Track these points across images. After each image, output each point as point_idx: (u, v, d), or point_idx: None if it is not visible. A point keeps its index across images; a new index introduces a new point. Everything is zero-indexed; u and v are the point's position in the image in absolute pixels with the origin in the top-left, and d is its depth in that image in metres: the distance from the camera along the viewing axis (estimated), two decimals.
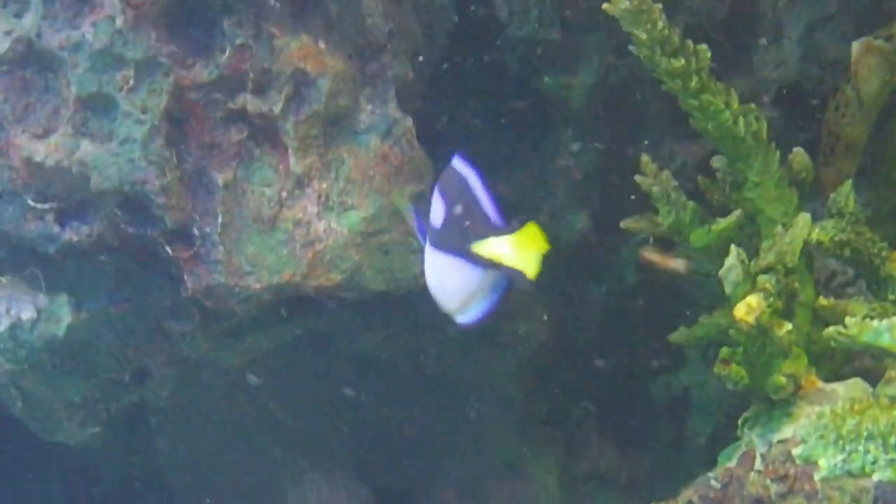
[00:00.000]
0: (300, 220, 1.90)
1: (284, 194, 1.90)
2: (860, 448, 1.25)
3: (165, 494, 2.40)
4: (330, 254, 1.90)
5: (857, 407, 1.36)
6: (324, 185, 1.91)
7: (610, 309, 2.35)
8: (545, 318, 2.29)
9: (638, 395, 2.39)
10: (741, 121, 1.92)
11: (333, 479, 2.29)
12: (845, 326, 1.48)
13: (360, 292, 1.94)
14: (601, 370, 2.37)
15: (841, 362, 1.96)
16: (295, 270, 1.89)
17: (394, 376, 2.24)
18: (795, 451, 1.33)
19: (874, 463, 1.23)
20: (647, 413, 2.39)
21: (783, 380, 1.82)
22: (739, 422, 1.92)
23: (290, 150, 1.89)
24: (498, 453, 2.35)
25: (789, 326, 1.82)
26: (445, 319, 2.13)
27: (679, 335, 2.08)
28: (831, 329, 1.51)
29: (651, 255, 2.19)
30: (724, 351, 1.90)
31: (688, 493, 2.05)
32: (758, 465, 1.94)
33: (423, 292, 2.03)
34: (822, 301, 1.90)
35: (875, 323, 1.43)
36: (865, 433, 1.25)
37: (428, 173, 1.98)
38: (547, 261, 2.30)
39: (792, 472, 1.89)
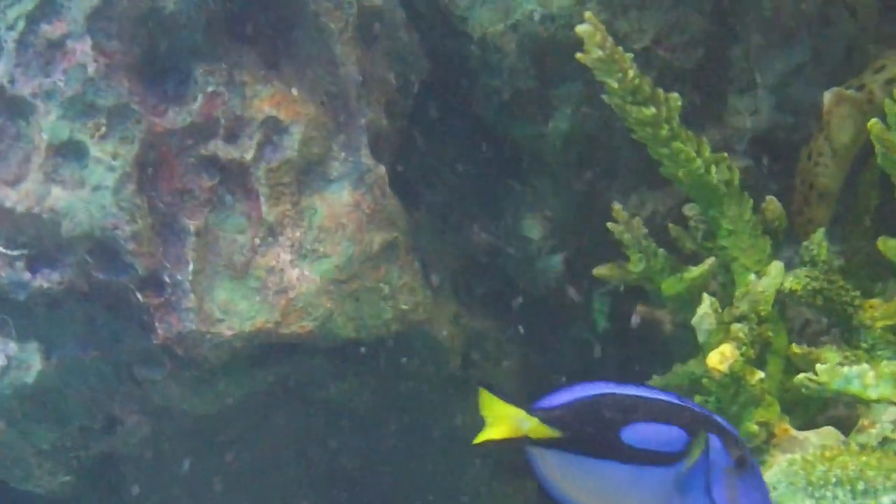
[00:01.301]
0: (273, 267, 1.89)
1: (257, 241, 1.90)
2: (828, 494, 1.24)
3: None
4: (302, 301, 1.89)
5: (827, 454, 1.37)
6: (296, 233, 1.91)
7: (583, 357, 2.35)
8: (518, 366, 2.28)
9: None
10: (713, 169, 1.92)
11: None
12: (816, 373, 1.48)
13: (331, 340, 1.93)
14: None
15: (815, 411, 1.95)
16: (268, 318, 1.89)
17: (365, 424, 2.22)
18: None
19: None
20: None
21: (756, 428, 1.82)
22: None
23: (262, 198, 1.90)
24: (467, 501, 2.34)
25: (762, 375, 1.82)
26: (416, 367, 2.14)
27: (653, 384, 2.08)
28: (802, 376, 1.52)
29: (641, 308, 2.20)
30: (698, 399, 1.90)
31: None
32: None
33: (394, 340, 2.03)
34: (795, 349, 1.90)
35: (845, 370, 1.43)
36: (834, 479, 1.25)
37: (400, 221, 1.99)
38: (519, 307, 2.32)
39: None
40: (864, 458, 1.35)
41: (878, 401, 1.43)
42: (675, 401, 1.29)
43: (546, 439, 1.32)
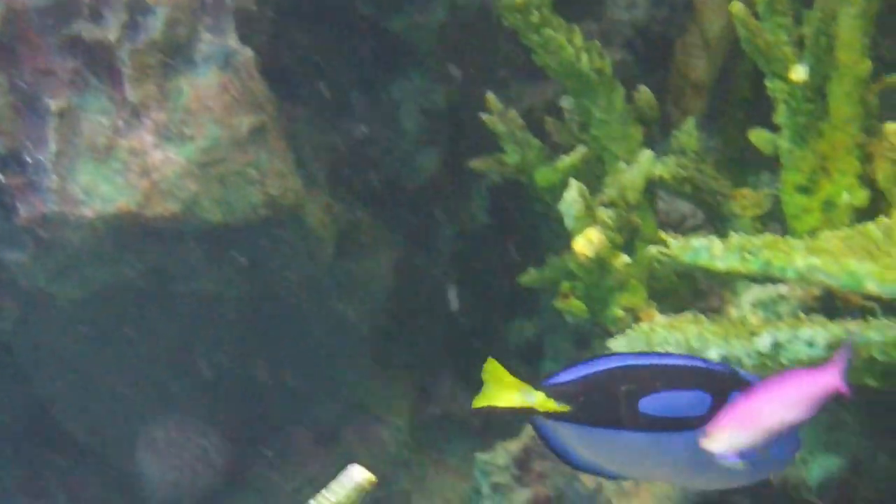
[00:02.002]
0: (136, 149, 1.88)
1: (121, 123, 1.88)
2: (659, 350, 1.26)
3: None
4: (167, 184, 1.88)
5: (674, 323, 1.38)
6: (161, 115, 1.89)
7: (460, 251, 2.35)
8: (394, 259, 2.29)
9: (492, 339, 2.39)
10: (584, 57, 1.92)
11: (183, 422, 2.27)
12: (668, 247, 1.49)
13: (198, 224, 1.92)
14: (454, 314, 2.37)
15: (685, 299, 1.97)
16: (130, 200, 1.87)
17: (242, 317, 2.22)
18: None
19: None
20: (501, 357, 2.39)
21: (621, 312, 1.83)
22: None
23: (126, 79, 1.87)
24: (350, 396, 2.35)
25: (627, 259, 1.83)
26: (289, 255, 2.13)
27: (529, 277, 2.09)
28: (653, 249, 1.52)
29: None
30: (565, 285, 1.92)
31: (531, 428, 2.07)
32: None
33: (264, 226, 2.03)
34: (663, 237, 1.91)
35: (694, 242, 1.44)
36: (672, 340, 1.26)
37: (269, 106, 1.97)
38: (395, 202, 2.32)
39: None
40: (707, 326, 1.37)
41: (726, 273, 1.44)
42: (698, 364, 1.30)
43: (556, 413, 1.32)
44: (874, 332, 1.15)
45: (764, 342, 1.20)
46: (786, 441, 1.29)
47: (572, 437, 1.32)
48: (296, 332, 2.28)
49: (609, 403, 1.31)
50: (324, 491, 1.00)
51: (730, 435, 1.24)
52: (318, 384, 2.34)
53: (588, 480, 1.97)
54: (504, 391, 1.36)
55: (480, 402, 1.38)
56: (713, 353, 1.23)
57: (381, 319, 2.32)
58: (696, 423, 1.28)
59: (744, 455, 1.26)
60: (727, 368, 1.27)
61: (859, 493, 1.65)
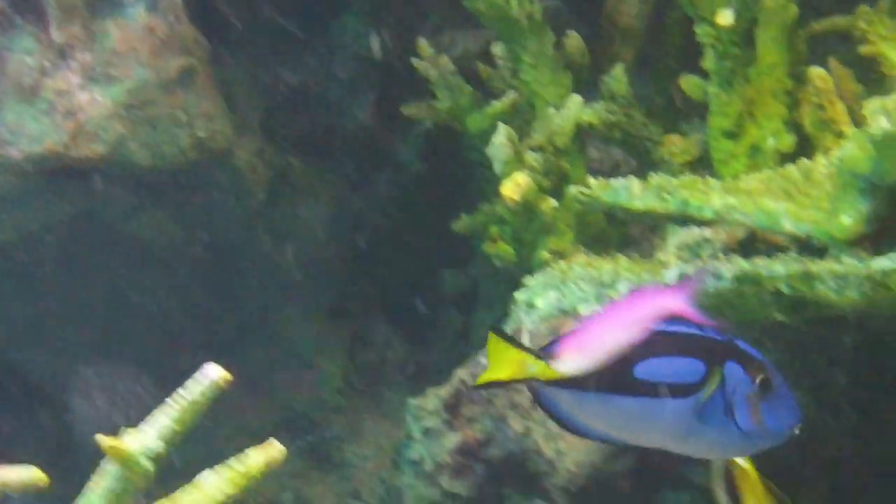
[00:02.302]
0: (62, 90, 1.87)
1: (46, 64, 1.87)
2: (574, 287, 1.27)
3: None
4: (93, 125, 1.87)
5: (591, 262, 1.39)
6: (87, 57, 1.88)
7: (395, 198, 2.36)
8: (328, 206, 2.29)
9: (427, 287, 2.40)
10: (514, 2, 1.93)
11: (115, 366, 2.27)
12: (588, 187, 1.50)
13: (126, 166, 1.92)
14: (389, 261, 2.38)
15: (615, 246, 1.98)
16: (57, 140, 1.86)
17: (175, 263, 2.22)
18: (519, 297, 1.35)
19: (584, 299, 1.26)
20: (435, 304, 2.41)
21: (548, 255, 1.84)
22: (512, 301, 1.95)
23: (52, 20, 1.86)
24: (284, 342, 2.35)
25: (554, 203, 1.84)
26: (220, 199, 2.13)
27: (462, 223, 2.10)
28: (574, 189, 1.53)
29: None
30: (493, 229, 1.93)
31: (461, 372, 2.08)
32: (525, 341, 1.97)
33: (193, 169, 2.02)
34: (592, 182, 1.92)
35: (613, 181, 1.45)
36: (587, 276, 1.27)
37: (198, 49, 1.96)
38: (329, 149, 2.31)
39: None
40: (622, 263, 1.38)
41: (644, 212, 1.45)
42: (695, 332, 1.31)
43: (557, 380, 1.33)
44: (780, 265, 1.17)
45: (671, 274, 1.21)
46: (785, 413, 1.31)
47: (572, 404, 1.34)
48: (229, 277, 2.27)
49: (606, 369, 1.32)
50: (180, 389, 1.00)
51: (574, 357, 1.26)
52: (251, 330, 2.34)
53: (516, 424, 1.99)
54: (505, 364, 1.36)
55: (485, 378, 1.38)
56: (622, 287, 1.24)
57: (314, 266, 2.32)
58: (689, 391, 1.30)
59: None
60: (725, 338, 1.28)
61: None
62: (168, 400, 1.13)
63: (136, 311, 2.27)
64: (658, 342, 1.31)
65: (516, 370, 1.34)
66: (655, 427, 1.33)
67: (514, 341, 1.33)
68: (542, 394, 1.35)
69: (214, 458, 2.31)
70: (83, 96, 1.87)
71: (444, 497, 2.10)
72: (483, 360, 2.01)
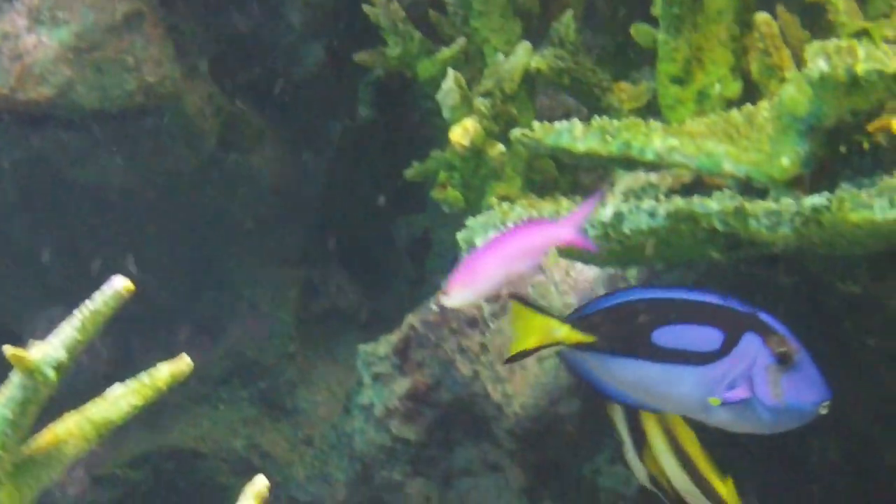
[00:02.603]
0: (8, 33, 1.86)
1: None
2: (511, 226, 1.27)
3: None
4: (40, 68, 1.87)
5: (531, 202, 1.39)
6: None
7: (347, 146, 2.36)
8: (279, 153, 2.28)
9: (380, 235, 2.40)
10: None
11: (69, 311, 2.26)
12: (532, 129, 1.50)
13: (74, 110, 1.91)
14: (342, 209, 2.38)
15: (565, 191, 1.99)
16: (3, 83, 1.86)
17: (127, 209, 2.21)
18: (460, 236, 1.36)
19: None
20: (388, 252, 2.41)
21: (496, 201, 1.84)
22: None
23: None
24: (236, 290, 2.35)
25: (502, 148, 1.84)
26: (169, 145, 2.12)
27: (413, 171, 2.10)
28: (517, 131, 1.54)
29: None
30: (442, 175, 1.93)
31: (411, 318, 2.09)
32: None
33: (141, 114, 2.02)
34: (535, 125, 1.92)
35: (556, 124, 1.46)
36: (526, 216, 1.28)
37: None
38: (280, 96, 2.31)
39: (504, 291, 1.93)
40: (563, 203, 1.38)
41: (586, 154, 1.45)
42: (718, 301, 1.32)
43: (581, 343, 1.34)
44: (714, 203, 1.17)
45: (606, 212, 1.22)
46: (807, 389, 1.31)
47: (596, 367, 1.36)
48: (179, 224, 2.27)
49: (625, 333, 1.34)
50: (86, 300, 1.01)
51: (461, 289, 1.29)
52: (203, 277, 2.34)
53: (464, 368, 2.00)
54: (531, 332, 1.39)
55: (514, 349, 1.41)
56: None
57: (266, 213, 2.32)
58: (707, 359, 1.31)
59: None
60: (747, 308, 1.29)
61: None
62: (74, 311, 1.14)
63: (90, 257, 2.26)
64: (678, 309, 1.33)
65: (543, 336, 1.36)
66: (675, 394, 1.35)
67: (537, 308, 1.36)
68: (568, 356, 1.37)
69: (168, 397, 2.32)
70: (30, 39, 1.86)
71: (393, 442, 2.12)
72: (433, 306, 2.03)
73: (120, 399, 0.90)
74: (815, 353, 1.53)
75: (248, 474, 2.33)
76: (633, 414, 1.55)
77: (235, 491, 2.30)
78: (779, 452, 1.78)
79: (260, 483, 0.83)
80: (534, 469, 2.03)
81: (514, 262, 1.26)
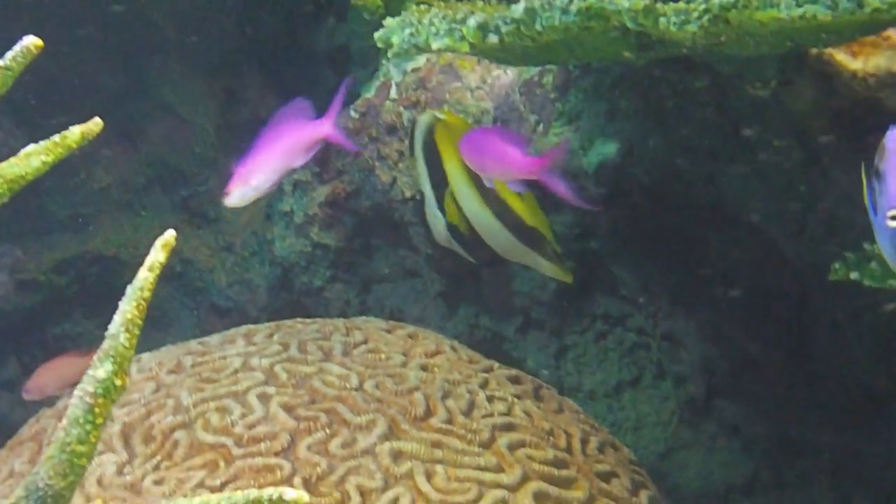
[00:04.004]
0: None
1: None
2: (427, 22, 1.29)
3: None
4: None
5: (448, 5, 1.40)
6: None
7: None
8: None
9: (301, 44, 2.40)
10: None
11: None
12: None
13: None
14: (263, 19, 2.37)
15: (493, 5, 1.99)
16: None
17: (49, 13, 2.20)
18: (377, 35, 1.37)
19: (436, 34, 1.28)
20: (309, 61, 2.41)
21: (416, 8, 1.85)
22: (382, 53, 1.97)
23: None
24: (157, 98, 2.35)
25: None
26: None
27: None
28: None
29: None
30: None
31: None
32: (393, 93, 2.00)
33: None
34: None
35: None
36: (441, 15, 1.29)
37: None
38: None
39: (422, 98, 1.95)
40: (479, 4, 1.39)
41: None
42: None
43: None
44: (625, 0, 1.19)
45: (518, 8, 1.23)
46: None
47: None
48: (104, 34, 2.26)
49: None
50: None
51: (240, 188, 1.45)
52: (126, 85, 2.34)
53: (384, 175, 2.03)
54: None
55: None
56: (472, 21, 1.26)
57: (188, 22, 2.31)
58: None
59: None
60: None
61: (633, 174, 1.72)
62: None
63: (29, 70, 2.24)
64: None
65: None
66: None
67: None
68: None
69: (91, 204, 2.34)
70: None
71: (313, 248, 2.15)
72: (353, 113, 2.04)
73: (32, 156, 0.91)
74: (721, 154, 1.58)
75: (170, 281, 2.38)
76: (435, 169, 1.61)
77: (158, 296, 2.34)
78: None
79: (169, 233, 0.85)
80: (450, 274, 2.07)
81: (284, 160, 1.43)
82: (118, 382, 0.80)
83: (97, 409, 0.77)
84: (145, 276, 0.83)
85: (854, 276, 1.30)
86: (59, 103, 2.30)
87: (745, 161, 1.53)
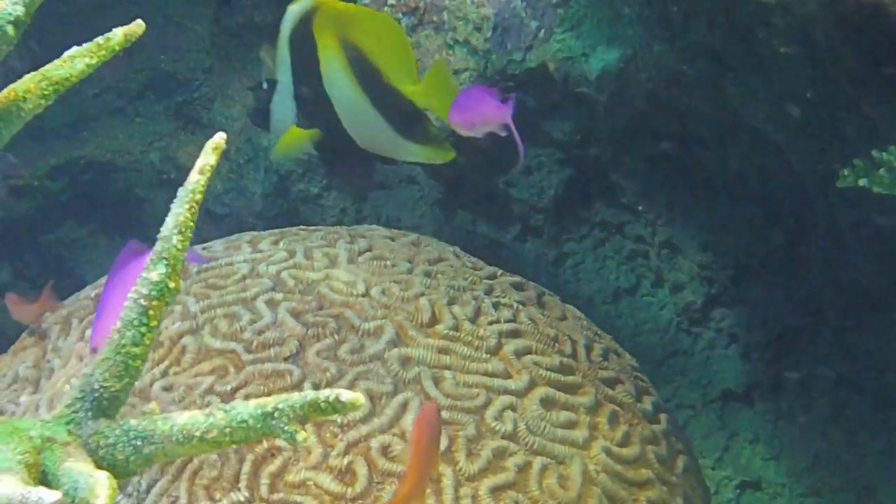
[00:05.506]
0: None
1: None
2: None
3: None
4: None
5: None
6: None
7: None
8: None
9: None
10: None
11: None
12: None
13: None
14: None
15: None
16: None
17: None
18: None
19: None
20: None
21: None
22: None
23: None
24: (151, 1, 2.32)
25: None
26: None
27: None
28: None
29: None
30: None
31: None
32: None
33: None
34: None
35: None
36: None
37: None
38: None
39: (421, 5, 1.93)
40: None
41: None
42: None
43: None
44: None
45: None
46: None
47: None
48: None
49: None
50: None
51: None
52: None
53: None
54: None
55: None
56: None
57: None
58: None
59: None
60: None
61: (635, 81, 1.72)
62: None
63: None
64: None
65: None
66: None
67: None
68: None
69: (85, 111, 2.32)
70: None
71: (310, 155, 2.14)
72: None
73: (76, 58, 0.90)
74: (727, 60, 1.57)
75: (163, 187, 2.37)
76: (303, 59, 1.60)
77: (153, 203, 2.34)
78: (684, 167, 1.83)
79: (218, 136, 0.84)
80: (448, 181, 2.06)
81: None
82: (171, 285, 0.80)
83: (151, 312, 0.77)
84: (196, 179, 0.83)
85: (862, 182, 1.30)
86: (54, 14, 2.27)
87: (750, 66, 1.53)
